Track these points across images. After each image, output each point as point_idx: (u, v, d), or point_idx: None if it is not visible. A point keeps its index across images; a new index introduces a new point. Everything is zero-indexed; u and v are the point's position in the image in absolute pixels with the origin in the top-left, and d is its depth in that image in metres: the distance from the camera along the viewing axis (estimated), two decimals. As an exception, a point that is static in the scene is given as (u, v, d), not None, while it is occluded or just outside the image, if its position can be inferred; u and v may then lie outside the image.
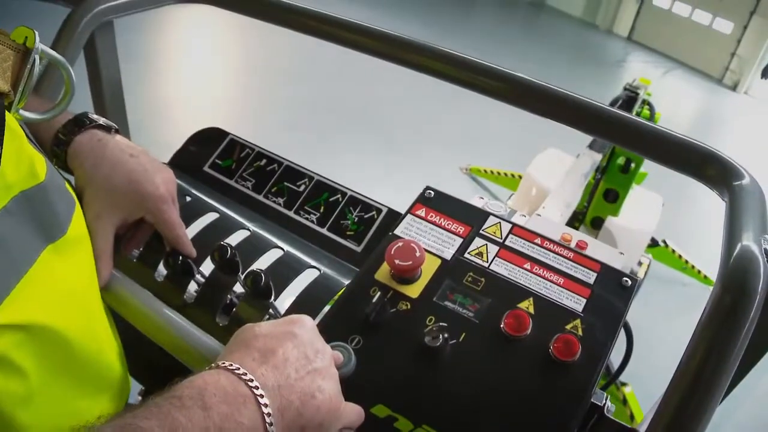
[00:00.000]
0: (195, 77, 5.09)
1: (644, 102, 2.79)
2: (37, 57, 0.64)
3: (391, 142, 4.41)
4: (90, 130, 0.84)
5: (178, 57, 5.55)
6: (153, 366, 0.89)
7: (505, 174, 3.91)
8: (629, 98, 2.77)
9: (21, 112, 0.65)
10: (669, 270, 3.46)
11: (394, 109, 4.96)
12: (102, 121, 0.86)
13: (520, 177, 3.34)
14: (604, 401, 0.73)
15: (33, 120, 0.68)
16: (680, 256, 3.41)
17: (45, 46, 0.66)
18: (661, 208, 2.77)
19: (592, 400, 0.73)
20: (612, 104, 2.89)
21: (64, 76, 0.71)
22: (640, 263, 2.87)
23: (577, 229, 2.73)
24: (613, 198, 2.64)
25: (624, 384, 2.47)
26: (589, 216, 2.69)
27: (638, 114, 2.77)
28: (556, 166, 2.57)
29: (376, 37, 1.01)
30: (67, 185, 0.71)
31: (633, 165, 2.55)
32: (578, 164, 2.26)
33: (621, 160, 2.57)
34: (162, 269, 0.94)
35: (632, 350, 0.97)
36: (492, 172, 4.00)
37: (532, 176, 2.67)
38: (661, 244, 3.40)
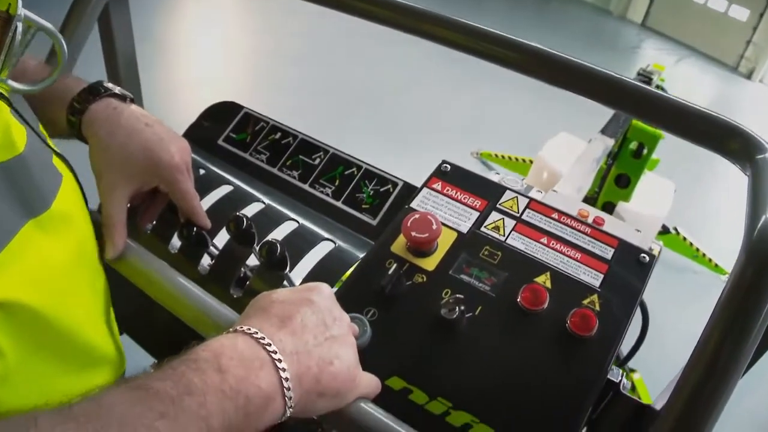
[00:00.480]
0: (202, 59, 5.08)
1: (658, 87, 2.77)
2: (19, 24, 0.61)
3: (400, 127, 4.38)
4: (105, 99, 0.83)
5: (187, 39, 5.54)
6: (168, 337, 0.89)
7: (516, 159, 3.89)
8: (643, 83, 2.75)
9: (9, 82, 0.63)
10: (680, 258, 3.43)
11: (402, 93, 4.92)
12: (117, 89, 0.85)
13: (531, 162, 3.31)
14: (620, 378, 0.73)
15: (23, 91, 0.66)
16: (691, 244, 3.38)
17: (31, 14, 0.63)
18: (673, 194, 2.75)
19: (608, 376, 0.72)
20: None
21: (56, 46, 0.68)
22: (651, 249, 2.87)
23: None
24: (625, 183, 2.61)
25: (633, 370, 2.46)
26: (600, 201, 2.67)
27: None
28: (568, 150, 2.55)
29: (389, 6, 0.99)
30: (55, 159, 0.69)
31: (645, 150, 2.52)
32: (590, 149, 2.24)
33: (633, 145, 2.54)
34: (176, 241, 0.94)
35: (647, 329, 0.96)
36: (503, 156, 3.98)
37: (544, 160, 2.65)
38: (673, 232, 3.37)
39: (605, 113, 2.31)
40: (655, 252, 2.65)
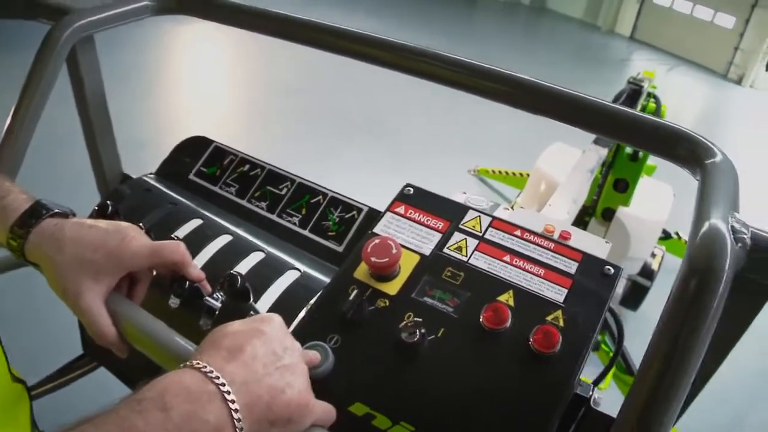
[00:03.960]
0: (197, 91, 5.12)
1: (650, 95, 2.76)
2: None
3: (396, 150, 4.41)
4: (46, 220, 0.79)
5: (179, 71, 5.60)
6: (141, 367, 0.89)
7: (513, 173, 3.89)
8: (633, 91, 2.71)
9: None
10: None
11: (396, 117, 4.96)
12: (57, 208, 0.81)
13: (528, 175, 3.32)
14: (590, 393, 0.72)
15: None
16: None
17: None
18: (672, 198, 2.73)
19: (577, 392, 0.72)
20: (616, 98, 2.84)
21: None
22: (654, 255, 2.83)
23: (587, 222, 2.70)
24: (623, 188, 2.59)
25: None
26: (599, 208, 2.65)
27: (643, 107, 2.73)
28: (564, 159, 2.54)
29: (375, 45, 0.98)
30: None
31: (642, 153, 2.51)
32: (584, 160, 2.24)
33: (629, 149, 2.53)
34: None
35: (623, 336, 0.94)
36: (500, 172, 3.99)
37: (541, 170, 2.65)
38: (674, 236, 3.33)
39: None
40: (659, 258, 2.62)
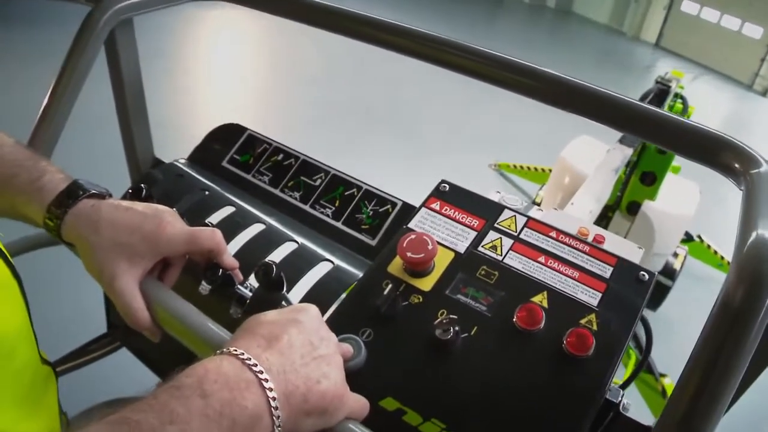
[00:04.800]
0: (222, 76, 5.16)
1: (677, 95, 2.71)
2: None
3: (418, 142, 4.42)
4: (82, 201, 0.79)
5: (206, 56, 5.63)
6: (173, 359, 0.89)
7: (535, 168, 3.85)
8: (661, 91, 2.67)
9: None
10: (704, 267, 3.32)
11: (420, 109, 4.97)
12: (95, 189, 0.81)
13: (550, 171, 3.28)
14: (620, 398, 0.72)
15: None
16: (716, 252, 3.27)
17: None
18: (699, 195, 2.68)
19: (607, 396, 0.71)
20: (643, 98, 2.79)
21: None
22: (676, 254, 2.79)
23: (610, 218, 2.66)
24: (651, 181, 2.53)
25: (663, 375, 2.39)
26: (624, 201, 2.59)
27: (671, 107, 2.69)
28: (590, 152, 2.51)
29: (403, 34, 0.99)
30: None
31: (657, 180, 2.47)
32: (608, 159, 2.21)
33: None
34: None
35: (651, 345, 0.94)
36: (521, 167, 3.96)
37: (566, 162, 2.61)
38: (696, 239, 3.26)
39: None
40: (681, 257, 2.58)
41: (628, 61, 8.16)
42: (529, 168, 3.91)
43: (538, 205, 2.98)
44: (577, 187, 2.09)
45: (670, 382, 2.40)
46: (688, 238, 3.24)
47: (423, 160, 4.11)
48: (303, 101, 4.81)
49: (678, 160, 2.56)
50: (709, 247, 3.29)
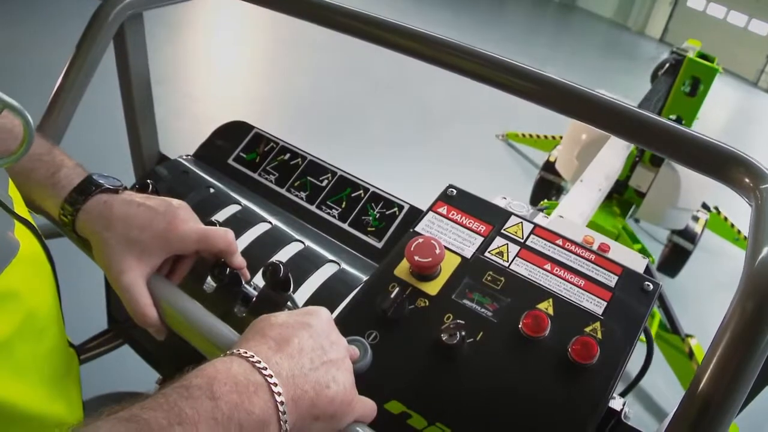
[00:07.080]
0: (226, 69, 5.15)
1: (702, 55, 2.66)
2: None
3: (426, 114, 4.43)
4: (95, 196, 0.80)
5: (208, 50, 5.61)
6: (174, 356, 0.90)
7: (545, 137, 3.83)
8: (677, 62, 2.63)
9: None
10: (720, 241, 3.24)
11: (425, 86, 4.97)
12: (108, 184, 0.82)
13: (559, 138, 3.21)
14: (621, 407, 0.72)
15: None
16: (732, 225, 3.18)
17: None
18: None
19: (609, 405, 0.72)
20: (659, 68, 2.74)
21: (22, 123, 0.63)
22: (696, 219, 2.72)
23: (629, 177, 2.59)
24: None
25: (689, 336, 2.33)
26: (647, 153, 2.54)
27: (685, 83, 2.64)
28: None
29: (403, 34, 0.99)
30: (18, 229, 0.66)
31: (702, 87, 2.37)
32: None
33: (686, 87, 2.39)
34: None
35: (652, 357, 0.95)
36: (529, 135, 3.94)
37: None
38: (714, 211, 3.16)
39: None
40: (702, 220, 2.55)
41: (634, 52, 8.14)
42: (538, 137, 3.88)
43: (553, 164, 2.96)
44: (593, 142, 2.04)
45: (697, 343, 2.33)
46: (704, 208, 3.12)
47: (426, 135, 4.12)
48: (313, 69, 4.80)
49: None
50: (726, 219, 3.19)
